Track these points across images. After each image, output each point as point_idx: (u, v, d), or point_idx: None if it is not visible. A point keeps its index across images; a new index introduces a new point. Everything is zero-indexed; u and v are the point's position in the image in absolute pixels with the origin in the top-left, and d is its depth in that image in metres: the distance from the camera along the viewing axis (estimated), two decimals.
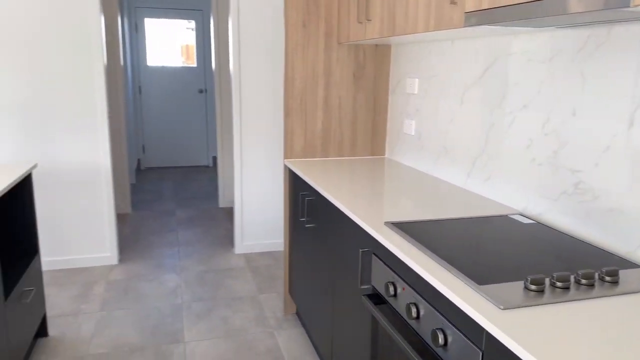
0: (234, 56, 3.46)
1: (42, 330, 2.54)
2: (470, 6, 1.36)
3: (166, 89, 6.43)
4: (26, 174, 2.28)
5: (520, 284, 1.12)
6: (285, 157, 2.63)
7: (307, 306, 2.44)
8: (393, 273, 1.43)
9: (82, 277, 3.24)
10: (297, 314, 2.79)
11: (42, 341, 2.50)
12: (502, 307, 1.02)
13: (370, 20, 2.11)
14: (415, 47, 2.40)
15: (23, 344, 2.17)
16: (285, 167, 2.66)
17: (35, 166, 2.39)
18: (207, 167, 6.67)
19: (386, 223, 1.56)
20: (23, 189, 2.37)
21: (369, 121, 2.71)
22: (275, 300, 2.97)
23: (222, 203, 4.87)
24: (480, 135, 1.93)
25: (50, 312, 2.78)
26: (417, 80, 2.39)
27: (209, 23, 6.30)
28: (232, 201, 4.82)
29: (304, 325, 2.66)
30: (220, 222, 4.41)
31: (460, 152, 2.07)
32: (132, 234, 4.06)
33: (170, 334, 2.58)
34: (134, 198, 5.08)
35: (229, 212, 4.68)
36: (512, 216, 1.65)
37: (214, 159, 6.72)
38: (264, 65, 3.51)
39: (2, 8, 3.00)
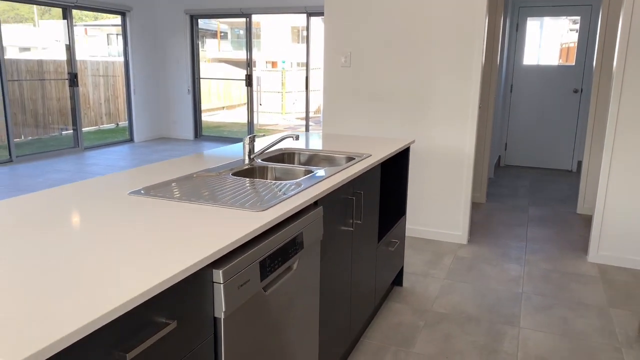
0: (619, 53, 3.17)
1: (398, 280, 3.03)
2: None
3: (538, 88, 6.33)
4: (406, 146, 2.75)
5: None
6: None
7: None
8: None
9: (434, 247, 3.65)
10: None
11: (397, 289, 2.98)
12: None
13: None
14: None
15: (385, 283, 2.65)
16: None
17: (413, 141, 2.85)
18: (569, 171, 6.27)
19: None
20: (402, 157, 2.86)
21: None
22: (628, 318, 2.65)
23: (581, 209, 4.53)
24: None
25: (405, 268, 3.26)
26: None
27: (597, 19, 5.84)
28: (593, 208, 4.43)
29: None
30: (575, 227, 4.14)
31: None
32: (483, 221, 4.27)
33: (506, 316, 2.66)
34: (489, 190, 5.28)
35: (587, 220, 4.33)
36: None
37: (579, 163, 6.25)
38: None
39: (399, 14, 3.63)
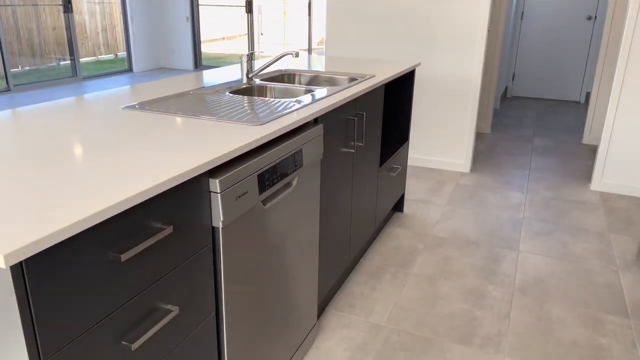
0: None
1: (399, 206, 3.03)
2: None
3: (550, 15, 6.08)
4: (411, 69, 2.66)
5: None
6: None
7: None
8: None
9: (436, 176, 3.63)
10: None
11: (397, 215, 2.99)
12: None
13: None
14: None
15: (386, 208, 2.65)
16: None
17: (418, 64, 2.75)
18: (577, 102, 6.14)
19: None
20: (407, 82, 2.78)
21: None
22: (627, 243, 2.67)
23: (587, 140, 4.48)
24: None
25: (407, 196, 3.27)
26: None
27: None
28: (599, 139, 4.37)
29: None
30: (579, 157, 4.11)
31: None
32: (486, 150, 4.23)
33: (506, 240, 2.68)
34: (494, 121, 5.20)
35: (592, 150, 4.28)
36: None
37: (587, 95, 6.12)
38: None
39: None
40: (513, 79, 6.42)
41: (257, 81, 2.08)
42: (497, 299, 2.16)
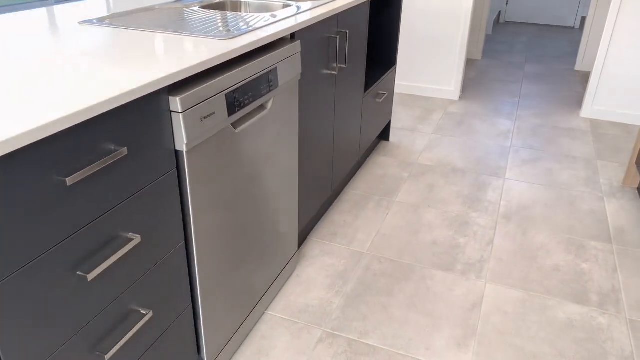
0: None
1: (385, 135, 2.95)
2: None
3: None
4: None
5: None
6: None
7: None
8: None
9: (424, 104, 3.52)
10: (639, 190, 2.43)
11: (383, 143, 2.91)
12: None
13: None
14: None
15: (371, 135, 2.57)
16: None
17: None
18: (572, 28, 5.94)
19: None
20: (395, 1, 2.60)
21: None
22: (614, 169, 2.64)
23: (579, 66, 4.35)
24: None
25: (393, 124, 3.17)
26: None
27: None
28: (592, 65, 4.25)
29: None
30: (571, 83, 4.00)
31: None
32: (476, 77, 4.10)
33: (492, 168, 2.63)
34: (486, 47, 5.02)
35: (584, 76, 4.17)
36: None
37: (583, 19, 5.90)
38: None
39: None
40: (507, 3, 6.15)
41: None
42: (480, 226, 2.13)
